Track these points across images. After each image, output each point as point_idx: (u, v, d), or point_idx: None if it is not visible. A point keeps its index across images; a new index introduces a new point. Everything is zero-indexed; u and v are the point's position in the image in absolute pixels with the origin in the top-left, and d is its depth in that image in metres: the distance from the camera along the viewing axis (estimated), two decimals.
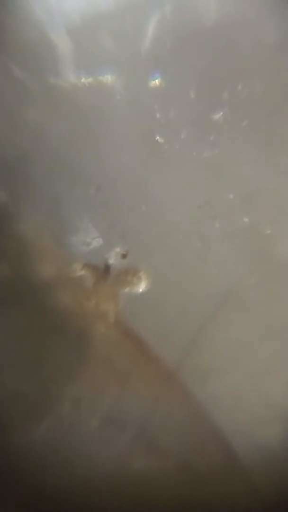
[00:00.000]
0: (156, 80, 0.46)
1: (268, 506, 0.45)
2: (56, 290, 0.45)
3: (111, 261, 0.45)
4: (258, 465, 0.45)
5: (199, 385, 0.45)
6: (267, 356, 0.46)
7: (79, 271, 0.45)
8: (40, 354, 0.44)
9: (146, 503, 0.45)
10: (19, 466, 0.45)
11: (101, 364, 0.45)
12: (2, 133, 0.45)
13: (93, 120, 0.46)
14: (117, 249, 0.45)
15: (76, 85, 0.46)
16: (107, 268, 0.45)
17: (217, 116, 0.46)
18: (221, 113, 0.46)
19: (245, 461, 0.45)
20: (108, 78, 0.46)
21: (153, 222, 0.46)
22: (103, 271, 0.45)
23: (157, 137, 0.46)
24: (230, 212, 0.46)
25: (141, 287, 0.45)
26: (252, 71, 0.46)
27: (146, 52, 0.45)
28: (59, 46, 0.45)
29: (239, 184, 0.46)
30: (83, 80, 0.46)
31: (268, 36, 0.46)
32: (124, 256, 0.44)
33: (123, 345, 0.45)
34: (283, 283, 0.46)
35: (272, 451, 0.45)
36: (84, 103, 0.46)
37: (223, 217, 0.46)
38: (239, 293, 0.46)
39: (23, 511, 0.45)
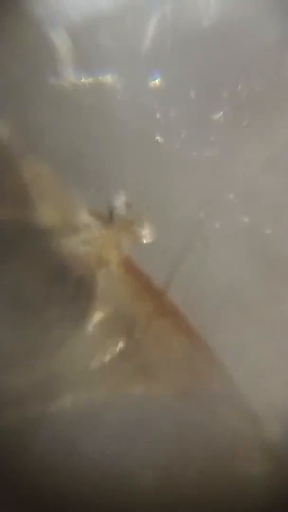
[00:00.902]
0: (156, 80, 0.46)
1: (268, 506, 0.45)
2: (59, 237, 0.44)
3: (116, 209, 0.44)
4: (258, 465, 0.45)
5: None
6: (267, 356, 0.46)
7: (83, 218, 0.44)
8: (41, 302, 0.44)
9: (145, 505, 0.45)
10: (19, 466, 0.45)
11: (105, 314, 0.44)
12: (2, 133, 0.45)
13: (93, 120, 0.46)
14: (122, 198, 0.44)
15: (76, 85, 0.46)
16: (111, 215, 0.44)
17: (217, 116, 0.46)
18: (221, 113, 0.46)
19: (245, 462, 0.45)
20: (108, 78, 0.46)
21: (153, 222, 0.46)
22: (108, 218, 0.44)
23: (157, 137, 0.46)
24: (230, 212, 0.46)
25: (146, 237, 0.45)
26: (252, 71, 0.46)
27: (146, 52, 0.45)
28: (59, 46, 0.45)
29: (239, 184, 0.46)
30: (83, 80, 0.46)
31: (268, 36, 0.46)
32: (129, 205, 0.44)
33: (128, 294, 0.44)
34: (283, 283, 0.46)
35: (272, 451, 0.45)
36: (84, 103, 0.46)
37: (223, 217, 0.46)
38: (239, 293, 0.46)
39: (23, 511, 0.45)
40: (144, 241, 0.44)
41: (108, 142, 0.46)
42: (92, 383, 0.44)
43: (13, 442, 0.45)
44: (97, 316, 0.44)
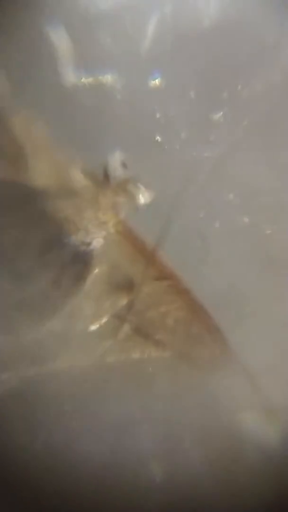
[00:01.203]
0: (156, 80, 0.46)
1: (268, 506, 0.45)
2: (55, 199, 0.44)
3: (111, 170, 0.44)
4: (258, 465, 0.45)
5: None
6: (267, 356, 0.46)
7: (79, 179, 0.44)
8: (38, 266, 0.43)
9: (145, 505, 0.45)
10: (19, 466, 0.45)
11: (102, 276, 0.44)
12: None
13: (93, 120, 0.46)
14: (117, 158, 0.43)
15: (76, 85, 0.46)
16: (106, 176, 0.43)
17: (217, 116, 0.46)
18: (221, 113, 0.46)
19: (245, 461, 0.45)
20: (108, 78, 0.46)
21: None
22: (103, 179, 0.44)
23: (157, 137, 0.46)
24: (230, 212, 0.46)
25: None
26: (252, 71, 0.46)
27: (146, 52, 0.45)
28: (59, 46, 0.45)
29: (239, 184, 0.46)
30: (83, 80, 0.46)
31: (268, 36, 0.46)
32: (124, 165, 0.43)
33: (124, 256, 0.44)
34: (283, 283, 0.46)
35: (272, 451, 0.45)
36: (84, 103, 0.46)
37: (223, 217, 0.46)
38: (239, 293, 0.46)
39: (23, 511, 0.45)
40: (140, 202, 0.44)
41: (108, 142, 0.46)
42: (89, 345, 0.44)
43: (12, 406, 0.45)
44: (94, 279, 0.44)
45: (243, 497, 0.45)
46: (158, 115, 0.46)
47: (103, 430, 0.45)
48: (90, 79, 0.46)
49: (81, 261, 0.43)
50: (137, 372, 0.45)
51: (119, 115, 0.46)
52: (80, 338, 0.44)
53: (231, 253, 0.46)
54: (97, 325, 0.44)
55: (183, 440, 0.45)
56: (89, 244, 0.44)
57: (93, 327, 0.44)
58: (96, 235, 0.44)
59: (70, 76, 0.45)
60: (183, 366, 0.45)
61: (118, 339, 0.44)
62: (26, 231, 0.43)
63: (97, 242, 0.44)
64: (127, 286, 0.44)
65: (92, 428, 0.45)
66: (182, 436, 0.45)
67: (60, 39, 0.45)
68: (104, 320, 0.44)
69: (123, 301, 0.44)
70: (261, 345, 0.46)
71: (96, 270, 0.44)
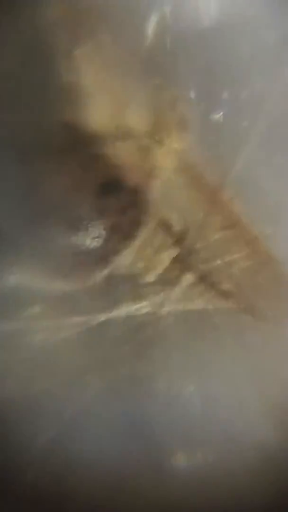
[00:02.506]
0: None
1: (268, 505, 0.45)
2: (111, 141, 0.43)
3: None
4: (258, 465, 0.45)
5: None
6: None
7: (136, 121, 0.43)
8: (94, 212, 0.42)
9: (148, 505, 0.45)
10: (19, 464, 0.45)
11: (161, 223, 0.43)
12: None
13: None
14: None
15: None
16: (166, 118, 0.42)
17: (217, 116, 0.46)
18: (221, 113, 0.46)
19: (245, 461, 0.46)
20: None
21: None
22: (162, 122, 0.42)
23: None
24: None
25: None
26: (252, 71, 0.46)
27: (146, 52, 0.45)
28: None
29: (239, 184, 0.46)
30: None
31: (268, 36, 0.46)
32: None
33: (186, 203, 0.44)
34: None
35: (272, 451, 0.46)
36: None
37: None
38: None
39: (24, 510, 0.45)
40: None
41: None
42: (149, 293, 0.44)
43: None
44: (153, 225, 0.43)
45: (243, 496, 0.45)
46: None
47: (157, 376, 0.44)
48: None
49: (139, 206, 0.42)
50: (201, 323, 0.44)
51: None
52: (139, 286, 0.43)
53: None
54: (157, 273, 0.43)
55: (244, 392, 0.44)
56: (146, 189, 0.43)
57: (153, 275, 0.43)
58: (156, 179, 0.43)
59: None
60: (249, 318, 0.44)
61: (180, 287, 0.43)
62: (82, 176, 0.42)
63: (156, 186, 0.43)
64: (187, 233, 0.43)
65: (149, 374, 0.44)
66: (244, 388, 0.45)
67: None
68: (164, 267, 0.43)
69: (183, 248, 0.43)
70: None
71: (155, 216, 0.43)
